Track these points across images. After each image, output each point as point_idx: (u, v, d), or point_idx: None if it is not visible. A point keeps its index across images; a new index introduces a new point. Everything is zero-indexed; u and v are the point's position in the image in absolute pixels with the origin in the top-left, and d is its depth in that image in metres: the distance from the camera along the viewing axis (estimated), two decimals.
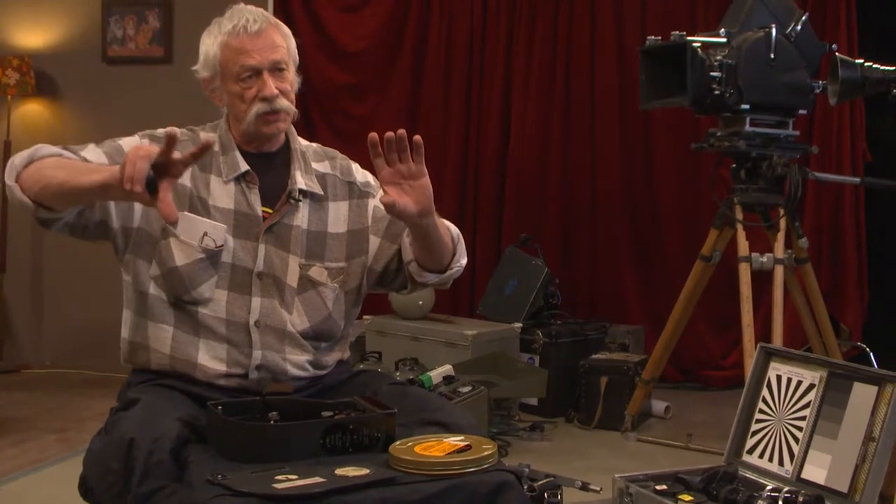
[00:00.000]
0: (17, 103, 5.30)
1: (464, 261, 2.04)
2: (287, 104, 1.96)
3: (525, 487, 2.22)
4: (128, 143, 1.96)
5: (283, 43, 1.96)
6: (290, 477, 1.53)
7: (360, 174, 2.12)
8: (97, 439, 1.83)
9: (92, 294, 5.03)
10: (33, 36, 5.32)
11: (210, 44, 1.96)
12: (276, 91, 1.93)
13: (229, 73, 1.93)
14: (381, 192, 2.02)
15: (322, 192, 2.04)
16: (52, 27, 5.31)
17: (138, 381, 1.95)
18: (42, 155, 1.82)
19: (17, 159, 1.82)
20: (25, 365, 5.26)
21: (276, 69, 1.94)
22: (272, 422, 1.72)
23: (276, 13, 5.04)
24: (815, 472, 2.24)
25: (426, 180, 1.82)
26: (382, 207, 1.92)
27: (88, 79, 5.27)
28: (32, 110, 5.34)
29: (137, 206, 1.91)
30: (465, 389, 3.53)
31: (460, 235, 2.05)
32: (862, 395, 2.21)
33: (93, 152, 1.91)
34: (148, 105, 5.07)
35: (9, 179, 1.80)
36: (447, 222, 2.00)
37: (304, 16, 5.20)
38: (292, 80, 1.99)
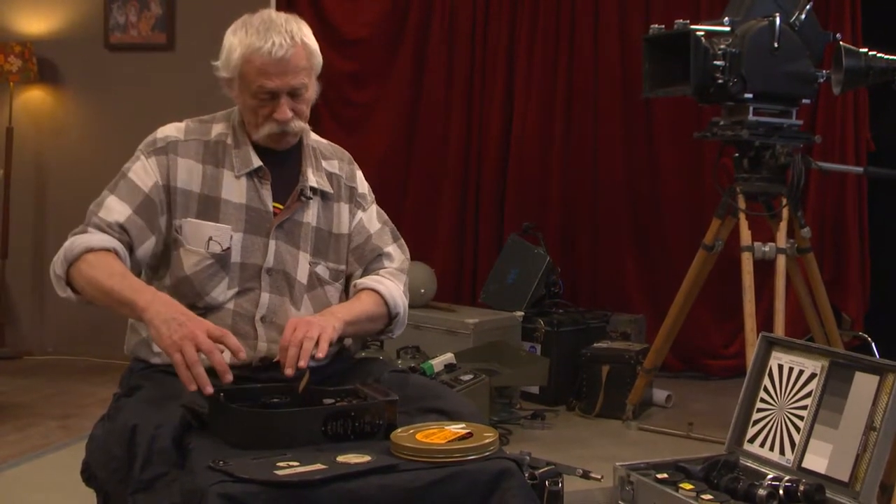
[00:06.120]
0: (20, 90, 5.29)
1: (399, 331, 2.08)
2: (299, 125, 1.95)
3: (526, 475, 2.23)
4: (137, 173, 1.93)
5: (308, 63, 1.92)
6: (292, 464, 1.54)
7: (360, 183, 2.14)
8: (100, 426, 1.84)
9: None
10: (35, 22, 5.30)
11: (233, 47, 1.90)
12: (289, 115, 1.91)
13: (247, 87, 1.90)
14: (372, 208, 2.12)
15: (332, 191, 2.06)
16: (55, 13, 5.29)
17: (140, 367, 1.96)
18: (75, 255, 1.83)
19: (58, 268, 1.86)
20: (27, 351, 5.27)
21: (295, 93, 1.91)
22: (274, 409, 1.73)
23: (279, 2, 5.03)
24: (817, 461, 2.24)
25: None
26: (365, 225, 2.03)
27: (91, 65, 5.25)
28: (35, 97, 5.34)
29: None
30: (467, 377, 3.53)
31: (399, 305, 2.04)
32: (863, 384, 2.21)
33: (115, 209, 1.89)
34: (150, 92, 5.08)
35: (63, 293, 1.88)
36: (392, 293, 2.01)
37: (305, 3, 5.17)
38: (310, 97, 1.96)
